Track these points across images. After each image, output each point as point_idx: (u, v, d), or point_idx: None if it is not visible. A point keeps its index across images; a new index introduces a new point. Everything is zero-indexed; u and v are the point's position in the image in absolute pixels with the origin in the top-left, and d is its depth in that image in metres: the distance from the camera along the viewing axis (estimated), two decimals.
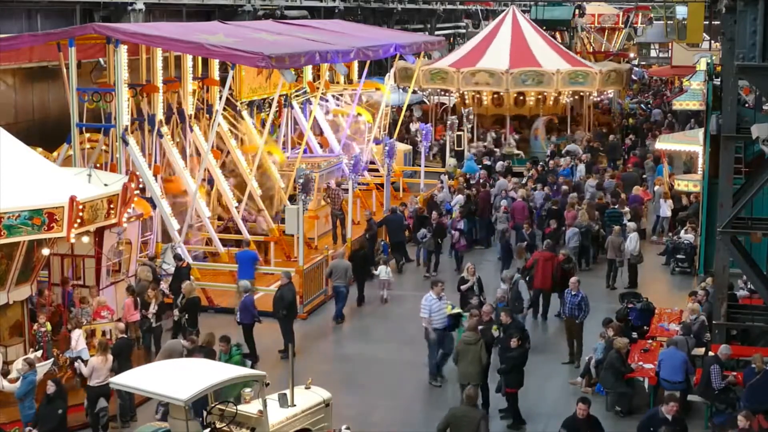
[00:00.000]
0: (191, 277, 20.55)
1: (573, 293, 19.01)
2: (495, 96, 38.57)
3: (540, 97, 38.55)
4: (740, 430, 13.30)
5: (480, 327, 16.69)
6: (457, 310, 18.60)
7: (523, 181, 31.17)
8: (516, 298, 19.49)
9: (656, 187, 30.17)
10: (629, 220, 25.74)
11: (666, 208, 28.18)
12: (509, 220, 26.41)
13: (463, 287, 19.95)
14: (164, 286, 20.07)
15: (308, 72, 31.40)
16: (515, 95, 38.40)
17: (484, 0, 61.86)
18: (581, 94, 39.70)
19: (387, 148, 28.90)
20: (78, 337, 16.92)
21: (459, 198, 28.07)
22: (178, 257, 21.16)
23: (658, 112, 48.21)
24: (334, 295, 21.83)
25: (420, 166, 33.13)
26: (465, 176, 31.52)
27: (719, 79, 22.81)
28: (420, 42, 34.99)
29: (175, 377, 13.43)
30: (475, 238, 27.78)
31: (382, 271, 22.91)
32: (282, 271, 20.45)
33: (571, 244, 24.51)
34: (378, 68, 45.26)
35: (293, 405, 14.14)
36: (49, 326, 17.26)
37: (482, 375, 15.91)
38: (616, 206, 26.98)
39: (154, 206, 22.00)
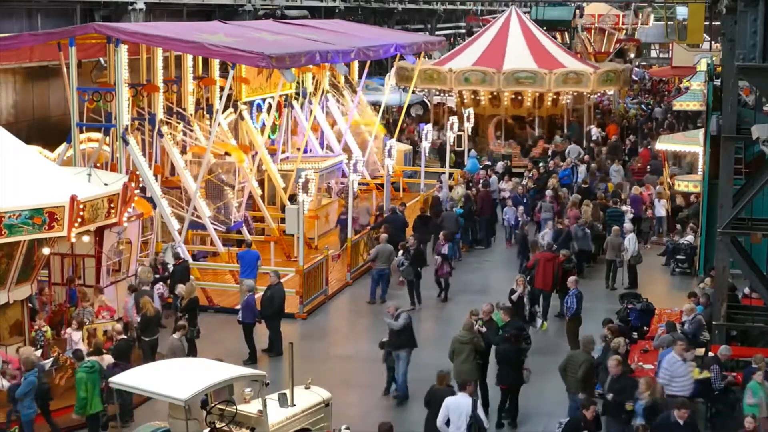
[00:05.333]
0: (191, 276, 20.55)
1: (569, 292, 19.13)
2: (492, 96, 38.58)
3: (536, 97, 38.56)
4: (746, 431, 13.30)
5: (481, 326, 16.75)
6: (706, 374, 15.37)
7: (523, 182, 31.18)
8: (399, 333, 16.99)
9: (657, 188, 30.19)
10: (632, 221, 25.83)
11: (660, 208, 28.16)
12: (553, 209, 26.82)
13: (513, 297, 19.62)
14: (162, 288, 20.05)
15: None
16: (512, 95, 38.39)
17: (483, 17, 62.23)
18: (577, 94, 39.75)
19: (387, 148, 28.91)
20: (78, 339, 16.93)
21: (459, 189, 28.25)
22: (176, 256, 21.17)
23: (660, 111, 48.26)
24: (377, 278, 22.49)
25: (420, 166, 33.16)
26: (465, 176, 31.51)
27: (719, 80, 22.83)
28: (420, 42, 35.03)
29: (175, 377, 13.43)
30: (476, 238, 27.80)
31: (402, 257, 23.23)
32: (271, 270, 20.48)
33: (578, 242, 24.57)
34: (378, 68, 45.29)
35: (293, 405, 14.14)
36: (48, 329, 17.26)
37: (477, 372, 15.95)
38: (617, 206, 27.02)
39: (154, 206, 22.00)
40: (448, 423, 13.70)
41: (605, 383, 15.28)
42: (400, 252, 23.30)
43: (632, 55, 64.45)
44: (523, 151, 37.62)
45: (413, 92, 38.41)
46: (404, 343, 16.96)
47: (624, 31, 65.87)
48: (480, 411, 13.87)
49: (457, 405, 13.70)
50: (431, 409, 14.20)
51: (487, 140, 38.38)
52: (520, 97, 38.51)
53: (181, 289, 18.98)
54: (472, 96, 38.76)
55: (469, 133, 36.41)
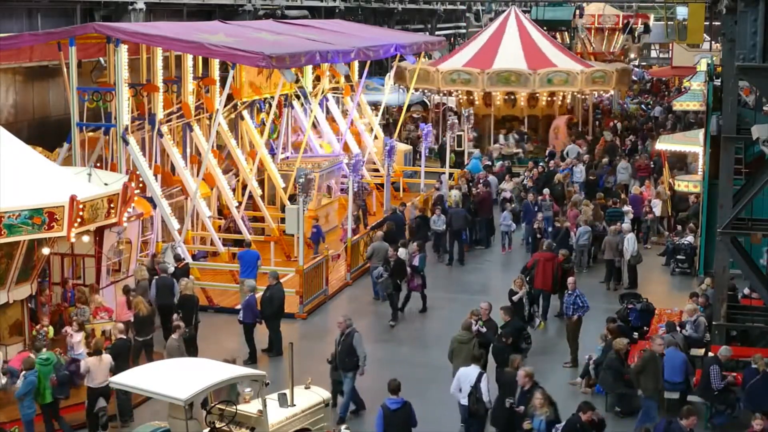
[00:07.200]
0: (190, 276, 20.54)
1: (569, 292, 19.07)
2: (508, 97, 38.75)
3: (551, 98, 38.79)
4: (753, 431, 13.28)
5: (481, 326, 16.74)
6: None
7: (523, 182, 31.18)
8: (348, 353, 16.27)
9: (658, 187, 30.18)
10: (632, 221, 25.83)
11: (656, 208, 28.14)
12: (551, 208, 27.13)
13: (514, 298, 19.54)
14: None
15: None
16: (528, 96, 38.60)
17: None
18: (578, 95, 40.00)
19: (387, 148, 28.89)
20: (79, 339, 16.92)
21: (455, 192, 28.28)
22: (177, 257, 21.16)
23: (660, 111, 48.28)
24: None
25: (420, 166, 33.15)
26: (465, 176, 31.49)
27: (720, 80, 22.83)
28: (420, 42, 35.05)
29: (174, 377, 13.43)
30: (476, 238, 27.78)
31: (401, 253, 22.86)
32: (270, 270, 20.46)
33: (581, 241, 24.53)
34: (378, 68, 45.27)
35: (293, 405, 14.15)
36: (51, 329, 17.25)
37: None
38: (617, 206, 27.01)
39: (154, 205, 21.99)
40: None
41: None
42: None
43: (641, 31, 64.65)
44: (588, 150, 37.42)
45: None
46: (354, 365, 16.16)
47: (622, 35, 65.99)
48: (483, 384, 14.51)
49: (467, 375, 14.86)
50: (501, 389, 14.93)
51: (558, 138, 38.35)
52: (552, 98, 39.18)
53: (183, 283, 19.01)
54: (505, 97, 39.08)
55: (475, 133, 36.61)
